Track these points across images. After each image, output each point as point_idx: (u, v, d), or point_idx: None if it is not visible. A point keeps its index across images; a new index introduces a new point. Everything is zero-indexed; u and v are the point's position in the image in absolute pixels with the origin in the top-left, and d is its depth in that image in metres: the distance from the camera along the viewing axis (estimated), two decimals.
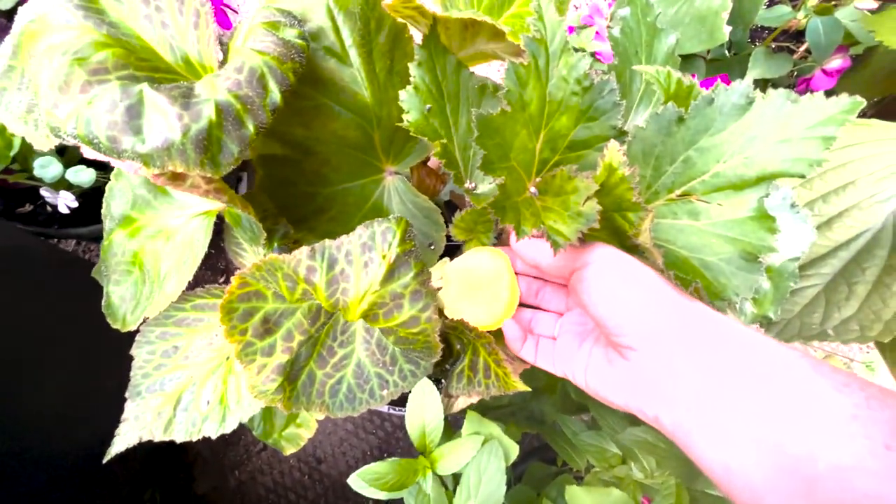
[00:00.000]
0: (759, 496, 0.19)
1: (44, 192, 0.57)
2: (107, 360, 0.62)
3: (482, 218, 0.32)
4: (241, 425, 0.39)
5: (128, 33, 0.27)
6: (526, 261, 0.28)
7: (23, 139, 0.52)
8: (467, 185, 0.27)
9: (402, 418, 0.79)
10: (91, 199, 0.62)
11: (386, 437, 0.81)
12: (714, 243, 0.26)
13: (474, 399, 0.32)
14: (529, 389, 0.28)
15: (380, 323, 0.27)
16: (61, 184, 0.57)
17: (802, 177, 0.26)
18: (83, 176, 0.54)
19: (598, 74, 0.26)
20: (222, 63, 0.29)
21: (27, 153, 0.54)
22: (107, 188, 0.39)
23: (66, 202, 0.57)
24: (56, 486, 0.54)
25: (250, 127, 0.24)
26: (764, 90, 0.28)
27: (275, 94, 0.25)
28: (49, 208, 0.65)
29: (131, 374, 0.35)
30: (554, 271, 0.27)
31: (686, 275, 0.27)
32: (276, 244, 0.32)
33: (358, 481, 0.34)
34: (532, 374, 0.50)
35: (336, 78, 0.34)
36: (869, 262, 0.34)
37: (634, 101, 0.44)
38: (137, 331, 0.36)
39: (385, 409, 0.64)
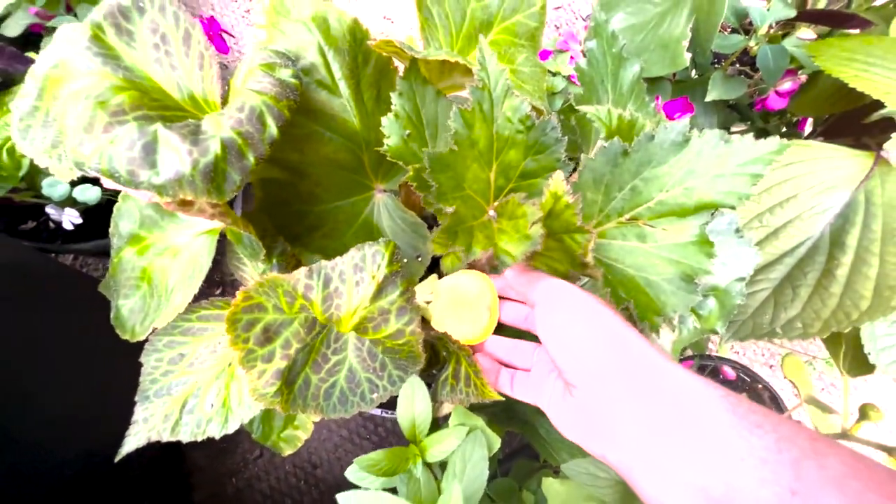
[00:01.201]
0: None
1: (49, 209, 0.60)
2: (110, 371, 0.64)
3: (457, 234, 0.36)
4: (239, 432, 0.42)
5: (141, 76, 0.30)
6: (512, 286, 0.30)
7: (31, 160, 0.55)
8: (436, 206, 0.31)
9: (394, 423, 0.81)
10: (92, 215, 0.65)
11: (379, 441, 0.83)
12: (658, 264, 0.29)
13: (457, 404, 0.36)
14: (503, 399, 0.31)
15: (369, 335, 0.30)
16: (66, 201, 0.60)
17: (733, 208, 0.29)
18: (90, 194, 0.57)
19: (540, 113, 0.30)
20: (224, 98, 0.33)
21: (34, 173, 0.57)
22: (115, 208, 0.42)
23: (70, 219, 0.60)
24: (55, 498, 0.56)
25: (251, 158, 0.27)
26: (720, 109, 0.31)
27: (272, 129, 0.28)
28: (52, 225, 0.68)
29: (140, 379, 0.38)
30: (524, 300, 0.29)
31: (629, 292, 0.30)
32: (274, 260, 0.35)
33: (355, 470, 0.36)
34: None
35: (327, 108, 0.38)
36: (810, 266, 0.38)
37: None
38: (143, 342, 0.39)
39: (378, 412, 0.66)
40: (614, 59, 0.44)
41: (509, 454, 0.75)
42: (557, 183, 0.27)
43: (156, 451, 0.76)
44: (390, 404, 0.72)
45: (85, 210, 0.62)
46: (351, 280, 0.28)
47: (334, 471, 0.82)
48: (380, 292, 0.28)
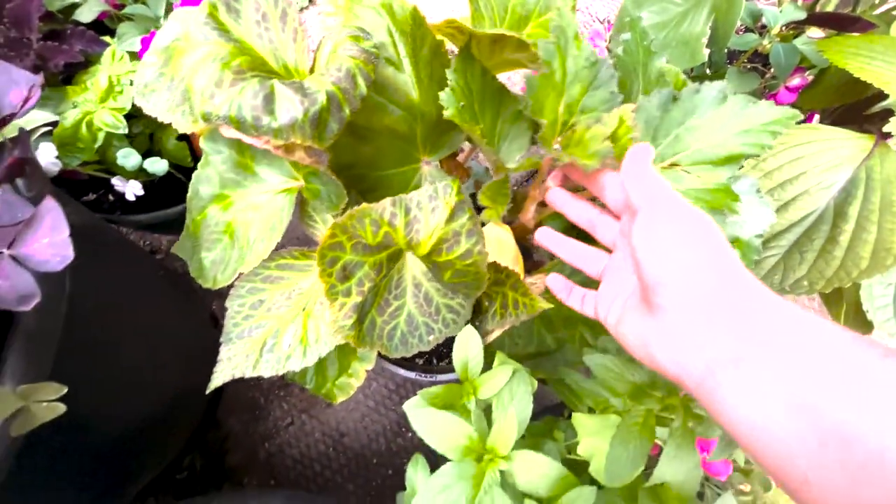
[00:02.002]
0: (790, 456, 0.18)
1: (116, 181, 0.65)
2: (162, 333, 0.69)
3: (502, 189, 0.41)
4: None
5: (246, 47, 0.36)
6: (592, 184, 0.32)
7: (106, 133, 0.61)
8: (498, 156, 0.36)
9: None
10: (150, 190, 0.71)
11: (404, 413, 0.88)
12: (692, 202, 0.35)
13: (507, 327, 0.40)
14: (552, 305, 0.36)
15: (442, 256, 0.35)
16: (132, 174, 0.65)
17: (757, 156, 0.35)
18: (159, 166, 0.62)
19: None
20: (311, 69, 0.38)
21: (107, 146, 0.62)
22: (194, 176, 0.47)
23: (133, 191, 0.65)
24: (120, 446, 0.60)
25: (346, 111, 0.33)
26: None
27: (362, 88, 0.33)
28: (111, 197, 0.73)
29: (224, 322, 0.42)
30: (612, 204, 0.31)
31: None
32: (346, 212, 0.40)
33: (417, 401, 0.41)
34: (543, 339, 0.58)
35: (392, 82, 0.43)
36: (816, 234, 0.43)
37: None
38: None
39: (413, 375, 0.71)
40: (645, 52, 0.49)
41: (537, 413, 0.80)
42: (625, 108, 0.33)
43: (197, 417, 0.81)
44: (426, 368, 0.76)
45: (145, 184, 0.68)
46: (427, 207, 0.33)
47: (361, 439, 0.86)
48: (452, 217, 0.33)
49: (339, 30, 0.38)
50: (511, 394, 0.40)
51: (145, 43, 0.63)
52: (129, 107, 0.62)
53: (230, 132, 0.32)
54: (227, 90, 0.31)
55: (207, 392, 0.41)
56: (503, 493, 0.36)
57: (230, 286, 0.44)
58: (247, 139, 0.32)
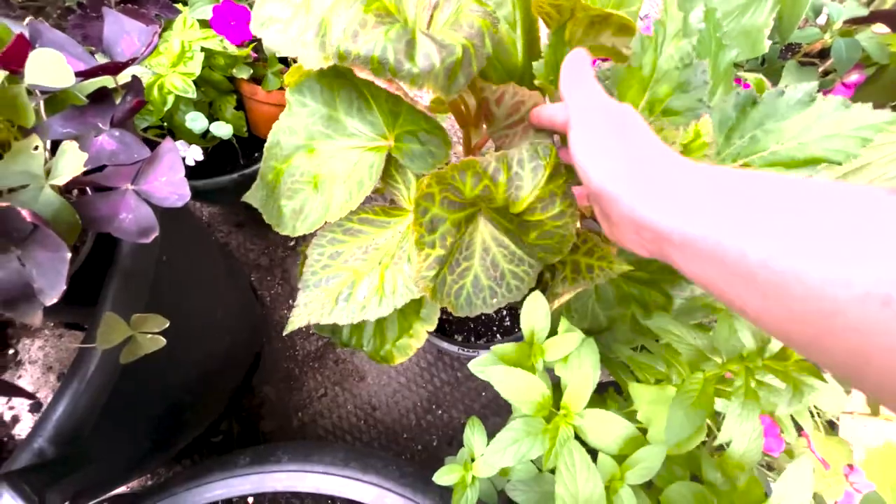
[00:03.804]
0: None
1: (179, 144, 0.67)
2: (221, 297, 0.71)
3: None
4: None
5: None
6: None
7: (176, 97, 0.62)
8: None
9: (450, 374, 0.87)
10: (209, 155, 0.72)
11: (434, 391, 0.89)
12: None
13: (579, 289, 0.42)
14: (631, 267, 0.37)
15: (535, 216, 0.36)
16: (194, 138, 0.67)
17: (840, 164, 0.34)
18: (224, 129, 0.64)
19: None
20: (428, 26, 0.39)
21: (174, 110, 0.64)
22: (275, 126, 0.48)
23: (194, 155, 0.67)
24: (178, 399, 0.62)
25: (475, 66, 0.34)
26: None
27: (489, 46, 0.35)
28: None
29: (304, 269, 0.44)
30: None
31: None
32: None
33: (489, 357, 0.43)
34: (596, 316, 0.59)
35: (504, 41, 0.44)
36: None
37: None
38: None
39: (455, 349, 0.73)
40: (717, 43, 0.50)
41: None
42: (704, 122, 0.34)
43: (236, 382, 0.83)
44: (467, 344, 0.78)
45: (205, 149, 0.70)
46: (528, 166, 0.34)
47: (392, 413, 0.88)
48: (550, 177, 0.35)
49: None
50: (580, 358, 0.42)
51: (216, 11, 0.64)
52: (198, 72, 0.64)
53: (364, 74, 0.33)
54: (372, 31, 0.32)
55: (285, 333, 0.43)
56: (580, 445, 0.38)
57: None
58: (379, 81, 0.33)
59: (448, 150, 0.38)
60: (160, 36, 0.65)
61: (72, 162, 0.32)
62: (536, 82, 0.40)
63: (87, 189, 0.43)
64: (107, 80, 0.42)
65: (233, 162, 0.80)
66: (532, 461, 0.45)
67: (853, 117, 0.34)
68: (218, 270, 0.75)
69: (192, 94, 0.63)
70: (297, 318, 0.44)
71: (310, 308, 0.44)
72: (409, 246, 0.41)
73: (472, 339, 0.81)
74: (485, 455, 0.41)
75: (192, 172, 0.73)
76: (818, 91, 0.73)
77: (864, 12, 0.56)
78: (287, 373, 0.89)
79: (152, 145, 0.39)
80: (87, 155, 0.32)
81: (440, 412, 0.88)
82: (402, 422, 0.88)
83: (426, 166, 0.40)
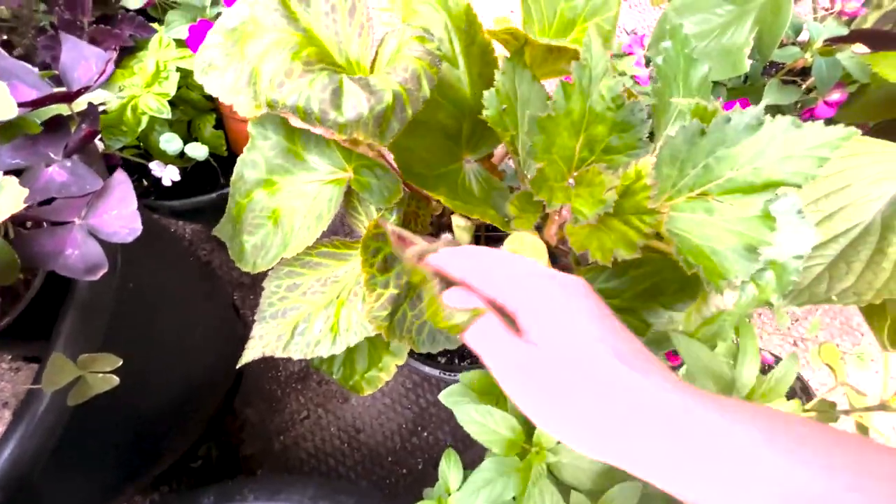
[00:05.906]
0: None
1: (154, 165, 0.66)
2: (199, 319, 0.70)
3: (531, 200, 0.42)
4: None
5: (313, 37, 0.36)
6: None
7: (151, 117, 0.62)
8: (523, 170, 0.36)
9: (435, 395, 0.86)
10: (181, 177, 0.72)
11: (420, 412, 0.88)
12: (724, 235, 0.32)
13: None
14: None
15: None
16: (170, 159, 0.66)
17: (799, 187, 0.32)
18: (199, 151, 0.63)
19: (632, 96, 0.35)
20: (371, 64, 0.39)
21: (149, 131, 0.63)
22: (239, 160, 0.47)
23: (170, 176, 0.67)
24: (150, 427, 0.61)
25: (409, 111, 0.33)
26: (773, 114, 0.35)
27: (426, 90, 0.34)
28: (145, 182, 0.74)
29: (260, 301, 0.43)
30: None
31: (697, 259, 0.33)
32: (394, 207, 0.41)
33: (458, 388, 0.41)
34: None
35: (446, 77, 0.43)
36: (862, 246, 0.42)
37: (672, 114, 0.53)
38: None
39: (437, 372, 0.71)
40: (686, 59, 0.49)
41: None
42: (645, 162, 0.32)
43: (215, 405, 0.82)
44: (451, 367, 0.76)
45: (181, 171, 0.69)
46: None
47: (376, 436, 0.86)
48: None
49: (404, 28, 0.38)
50: None
51: (192, 31, 0.64)
52: (173, 93, 0.63)
53: (296, 122, 0.33)
54: (297, 80, 0.31)
55: (238, 366, 0.42)
56: (551, 485, 0.36)
57: (255, 275, 0.44)
58: (313, 129, 0.33)
59: (400, 186, 0.37)
60: (135, 56, 0.65)
61: (9, 199, 0.31)
62: (486, 113, 0.39)
63: (44, 223, 0.42)
64: (62, 108, 0.41)
65: (213, 181, 0.80)
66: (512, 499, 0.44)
67: (805, 136, 0.32)
68: (196, 291, 0.74)
69: (167, 114, 0.63)
70: (251, 351, 0.42)
71: (265, 340, 0.43)
72: (361, 285, 0.40)
73: (456, 360, 0.79)
74: (458, 498, 0.39)
75: (171, 192, 0.72)
76: (799, 109, 0.72)
77: (845, 31, 0.55)
78: (269, 394, 0.88)
79: (125, 168, 0.38)
80: (27, 191, 0.31)
81: (426, 434, 0.87)
82: (387, 444, 0.86)
83: (383, 200, 0.39)
